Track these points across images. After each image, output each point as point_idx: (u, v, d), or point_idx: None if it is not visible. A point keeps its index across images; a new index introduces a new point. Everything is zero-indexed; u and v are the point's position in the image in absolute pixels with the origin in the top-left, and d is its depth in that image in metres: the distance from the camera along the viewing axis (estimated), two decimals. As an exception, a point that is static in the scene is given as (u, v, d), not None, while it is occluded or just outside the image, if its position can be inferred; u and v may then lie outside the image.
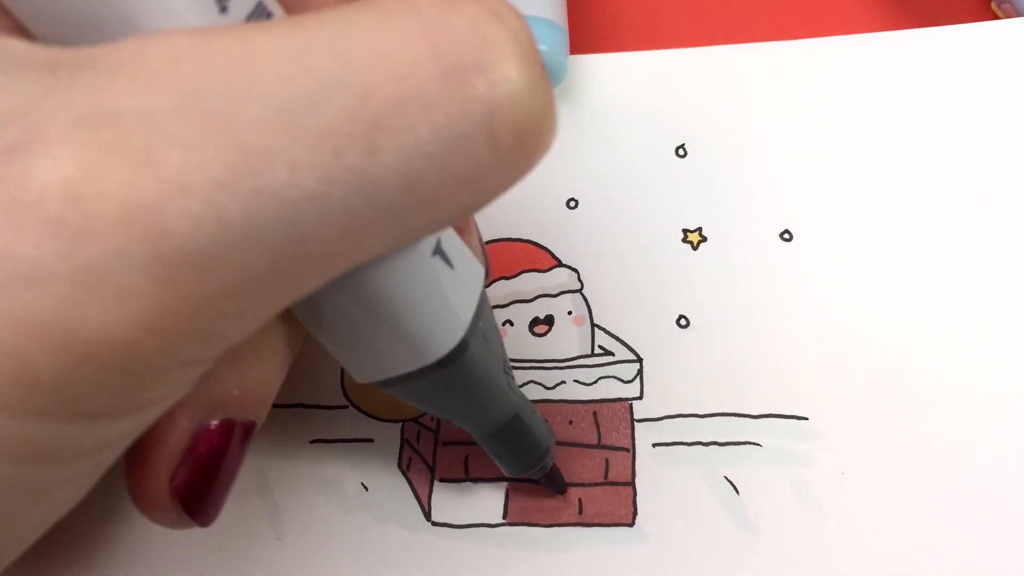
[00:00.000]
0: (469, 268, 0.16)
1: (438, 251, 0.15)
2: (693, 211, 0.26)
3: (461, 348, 0.16)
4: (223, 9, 0.11)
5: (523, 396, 0.20)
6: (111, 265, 0.09)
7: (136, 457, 0.15)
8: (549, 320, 0.24)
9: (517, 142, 0.11)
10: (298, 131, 0.10)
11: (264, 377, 0.16)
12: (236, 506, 0.22)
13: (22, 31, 0.11)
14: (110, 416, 0.11)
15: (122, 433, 0.12)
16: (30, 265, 0.09)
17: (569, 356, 0.24)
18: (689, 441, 0.23)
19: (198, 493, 0.16)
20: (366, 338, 0.15)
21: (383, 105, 0.10)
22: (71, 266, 0.09)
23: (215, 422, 0.15)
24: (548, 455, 0.21)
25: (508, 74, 0.11)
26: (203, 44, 0.10)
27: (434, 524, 0.22)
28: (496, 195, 0.12)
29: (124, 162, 0.09)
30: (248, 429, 0.16)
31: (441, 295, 0.15)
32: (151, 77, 0.10)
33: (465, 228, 0.17)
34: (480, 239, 0.19)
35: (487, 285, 0.18)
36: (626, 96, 0.28)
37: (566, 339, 0.24)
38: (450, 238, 0.16)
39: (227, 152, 0.10)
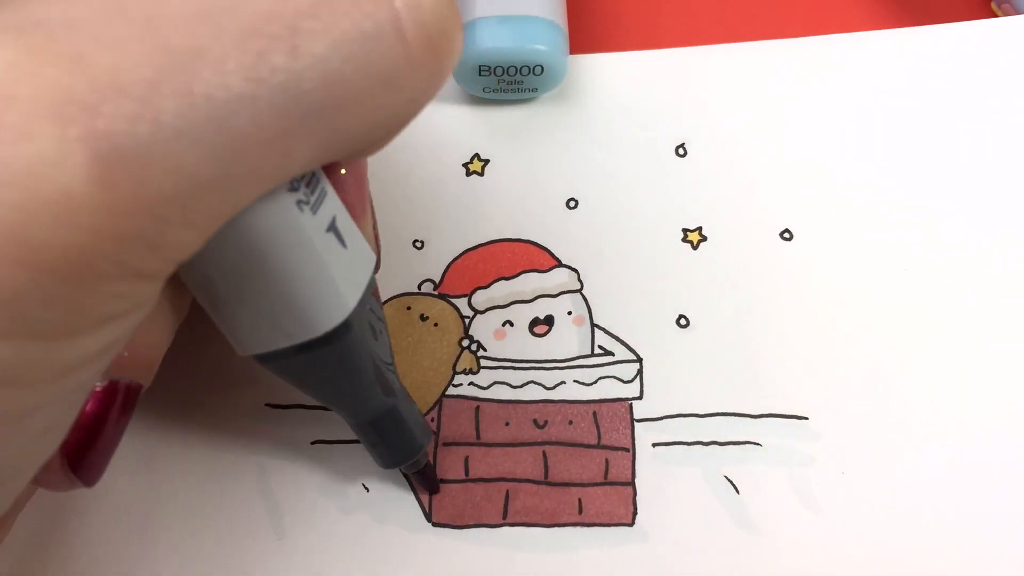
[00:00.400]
0: (360, 252, 0.17)
1: (332, 228, 0.15)
2: (693, 211, 0.26)
3: (344, 328, 0.16)
4: None
5: (405, 392, 0.20)
6: (52, 167, 0.10)
7: None
8: (549, 320, 0.24)
9: (427, 43, 0.12)
10: (221, 31, 0.11)
11: (151, 340, 0.16)
12: (237, 506, 0.22)
13: None
14: (67, 333, 0.11)
15: (82, 355, 0.12)
16: None
17: (569, 356, 0.24)
18: (689, 441, 0.23)
19: (84, 452, 0.16)
20: (252, 305, 0.15)
21: (299, 7, 0.11)
22: (13, 170, 0.09)
23: (101, 384, 0.16)
24: (421, 452, 0.21)
25: None
26: None
27: (435, 525, 0.22)
28: (417, 103, 0.13)
29: (55, 63, 0.10)
30: (134, 392, 0.16)
31: (329, 271, 0.15)
32: None
33: (360, 213, 0.17)
34: (375, 226, 0.20)
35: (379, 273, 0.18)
36: (626, 96, 0.28)
37: (566, 339, 0.24)
38: (345, 220, 0.16)
39: (155, 53, 0.10)
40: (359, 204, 0.17)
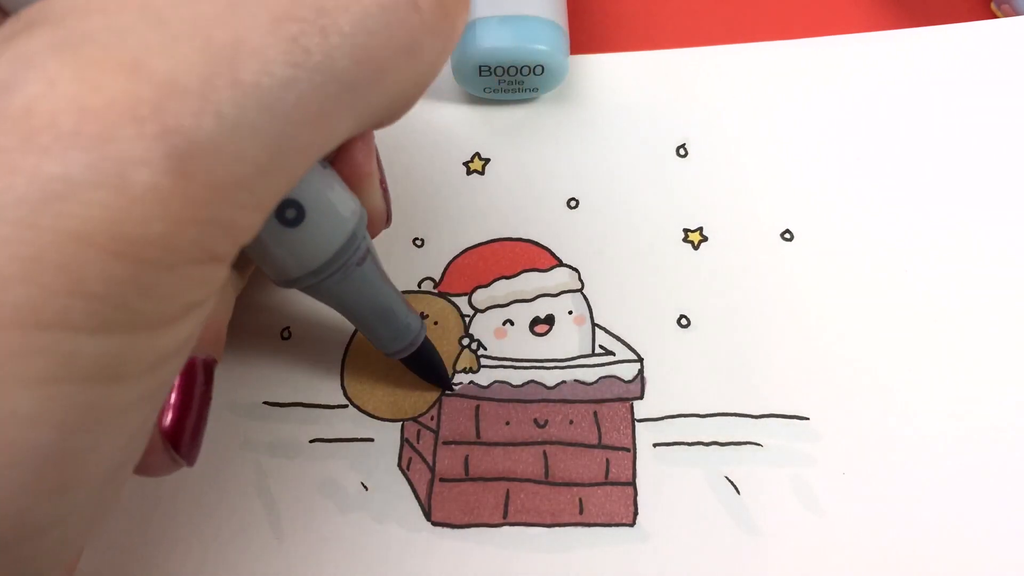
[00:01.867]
0: (330, 217, 0.18)
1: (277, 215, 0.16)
2: (694, 211, 0.26)
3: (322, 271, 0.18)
4: None
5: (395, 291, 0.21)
6: (133, 165, 0.10)
7: None
8: (550, 320, 0.24)
9: (439, 7, 0.13)
10: (254, 21, 0.11)
11: (218, 316, 0.18)
12: (235, 506, 0.22)
13: None
14: (161, 323, 0.12)
15: (174, 344, 0.13)
16: (62, 180, 0.10)
17: (570, 356, 0.24)
18: (690, 441, 0.23)
19: (182, 430, 0.17)
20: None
21: None
22: (99, 173, 0.10)
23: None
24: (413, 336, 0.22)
25: None
26: None
27: (434, 524, 0.22)
28: (435, 67, 0.14)
29: (117, 72, 0.10)
30: (210, 366, 0.18)
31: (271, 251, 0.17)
32: (103, 2, 0.11)
33: (367, 174, 0.18)
34: (383, 180, 0.21)
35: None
36: (626, 96, 0.28)
37: (567, 339, 0.24)
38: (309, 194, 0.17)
39: (202, 50, 0.11)
40: (367, 165, 0.18)
